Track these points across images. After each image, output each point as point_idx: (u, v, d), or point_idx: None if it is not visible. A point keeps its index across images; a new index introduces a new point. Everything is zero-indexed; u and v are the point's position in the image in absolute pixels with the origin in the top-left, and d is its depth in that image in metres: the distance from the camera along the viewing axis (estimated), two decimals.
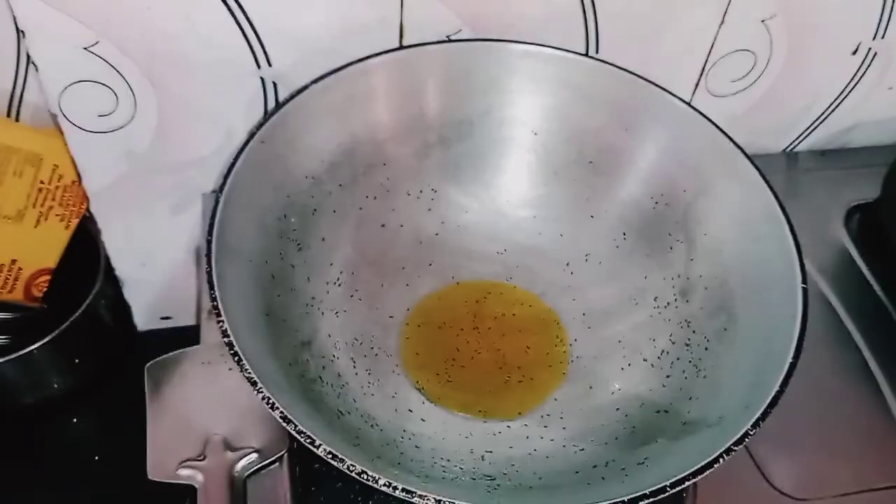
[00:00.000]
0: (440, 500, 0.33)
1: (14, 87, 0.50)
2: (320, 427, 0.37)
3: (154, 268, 0.60)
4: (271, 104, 0.51)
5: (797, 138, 0.66)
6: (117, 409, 0.57)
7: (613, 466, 0.41)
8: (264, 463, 0.44)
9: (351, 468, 0.34)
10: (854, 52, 0.60)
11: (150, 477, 0.43)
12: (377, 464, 0.36)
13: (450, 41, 0.50)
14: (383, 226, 0.51)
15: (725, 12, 0.54)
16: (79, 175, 0.53)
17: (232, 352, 0.36)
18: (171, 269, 0.60)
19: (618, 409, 0.46)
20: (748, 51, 0.57)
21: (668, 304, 0.48)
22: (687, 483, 0.35)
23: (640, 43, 0.54)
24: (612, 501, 0.34)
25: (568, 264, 0.52)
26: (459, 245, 0.52)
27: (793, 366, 0.38)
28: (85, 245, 0.57)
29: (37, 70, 0.46)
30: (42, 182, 0.53)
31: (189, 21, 0.46)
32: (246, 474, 0.43)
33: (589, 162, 0.51)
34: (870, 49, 0.60)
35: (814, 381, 0.51)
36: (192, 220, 0.57)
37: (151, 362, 0.48)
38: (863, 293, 0.58)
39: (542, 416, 0.46)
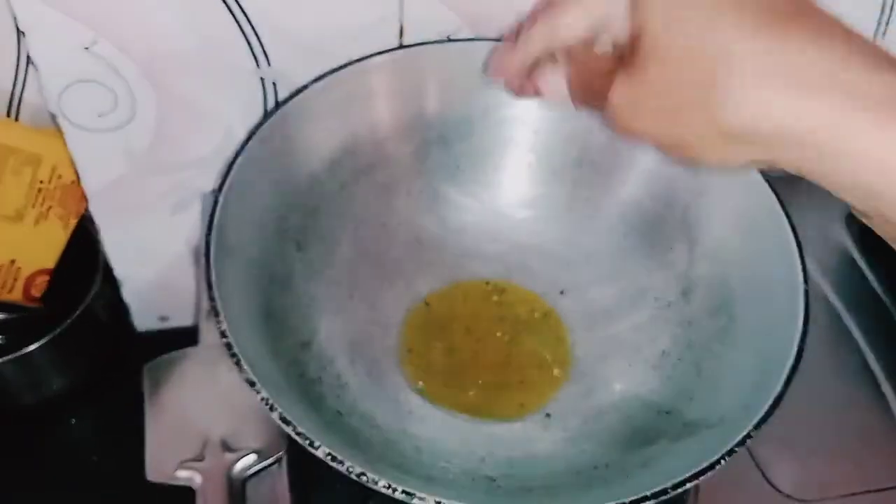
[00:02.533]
0: (440, 502, 0.33)
1: (14, 87, 0.50)
2: (319, 428, 0.37)
3: (153, 268, 0.60)
4: (271, 104, 0.51)
5: None
6: (116, 410, 0.57)
7: (614, 468, 0.41)
8: (263, 464, 0.43)
9: (350, 469, 0.34)
10: None
11: (148, 478, 0.43)
12: (377, 465, 0.36)
13: (450, 41, 0.50)
14: (383, 225, 0.51)
15: None
16: (78, 175, 0.53)
17: (230, 352, 0.36)
18: (169, 269, 0.60)
19: (619, 409, 0.45)
20: None
21: (669, 304, 0.48)
22: (689, 485, 0.35)
23: None
24: (613, 503, 0.34)
25: (568, 264, 0.52)
26: (459, 245, 0.52)
27: (794, 367, 0.38)
28: (83, 245, 0.56)
29: (36, 70, 0.46)
30: (41, 182, 0.53)
31: (188, 21, 0.46)
32: (245, 475, 0.43)
33: (589, 161, 0.51)
34: None
35: (815, 382, 0.50)
36: (191, 219, 0.56)
37: (150, 363, 0.47)
38: (864, 294, 0.58)
39: (542, 417, 0.46)
